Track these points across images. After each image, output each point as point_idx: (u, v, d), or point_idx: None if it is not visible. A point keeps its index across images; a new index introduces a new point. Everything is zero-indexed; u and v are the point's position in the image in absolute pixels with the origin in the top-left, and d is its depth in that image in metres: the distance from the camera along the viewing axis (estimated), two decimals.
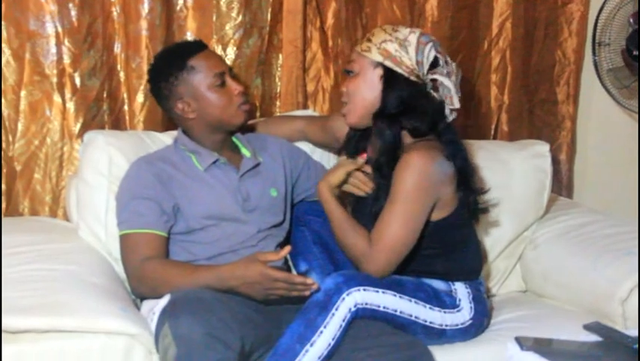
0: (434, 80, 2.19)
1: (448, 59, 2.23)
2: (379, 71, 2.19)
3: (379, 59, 2.18)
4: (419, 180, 2.09)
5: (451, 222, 2.20)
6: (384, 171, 2.17)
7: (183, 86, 2.21)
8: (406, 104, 2.17)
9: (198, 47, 2.26)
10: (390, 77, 2.18)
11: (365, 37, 2.27)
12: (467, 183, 2.22)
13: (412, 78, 2.17)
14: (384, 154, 2.18)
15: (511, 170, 2.67)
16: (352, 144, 2.33)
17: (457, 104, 2.20)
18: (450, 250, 2.22)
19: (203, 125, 2.24)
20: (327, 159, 2.54)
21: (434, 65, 2.19)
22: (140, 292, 2.14)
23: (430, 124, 2.18)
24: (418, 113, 2.17)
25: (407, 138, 2.20)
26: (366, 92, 2.21)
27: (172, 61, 2.24)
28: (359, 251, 2.12)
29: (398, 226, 2.10)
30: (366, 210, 2.22)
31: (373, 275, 2.10)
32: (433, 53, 2.19)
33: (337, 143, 2.39)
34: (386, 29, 2.22)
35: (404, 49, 2.17)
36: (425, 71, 2.19)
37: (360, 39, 2.31)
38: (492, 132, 3.10)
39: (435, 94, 2.19)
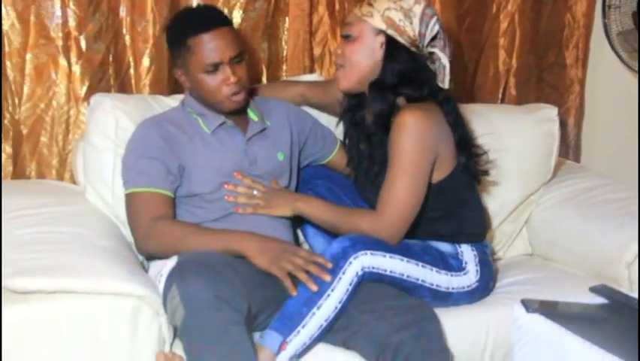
0: (432, 54, 2.17)
1: (446, 38, 2.20)
2: (380, 39, 2.16)
3: (382, 26, 2.15)
4: (415, 138, 2.08)
5: (451, 183, 2.20)
6: (376, 138, 2.17)
7: (180, 59, 2.19)
8: (405, 76, 2.15)
9: (208, 23, 2.14)
10: (392, 47, 2.15)
11: (365, 0, 2.21)
12: (467, 149, 2.23)
13: (412, 49, 2.16)
14: (378, 123, 2.17)
15: (518, 134, 2.66)
16: (351, 112, 2.32)
17: (447, 84, 2.18)
18: (453, 211, 2.22)
19: (198, 97, 2.23)
20: (333, 125, 2.53)
21: (434, 38, 2.18)
22: (147, 249, 2.14)
23: (428, 94, 2.17)
24: (416, 84, 2.16)
25: (401, 102, 2.19)
26: (363, 58, 2.18)
27: (176, 32, 2.20)
28: (365, 225, 2.11)
29: (403, 188, 2.10)
30: (368, 182, 2.22)
31: (387, 241, 2.10)
32: (437, 27, 2.17)
33: (340, 106, 2.37)
34: None
35: (408, 19, 2.14)
36: (425, 43, 2.17)
37: (361, 2, 2.23)
38: (500, 96, 3.08)
39: (430, 66, 2.18)
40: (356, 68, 2.19)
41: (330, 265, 2.00)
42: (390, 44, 2.15)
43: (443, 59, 2.17)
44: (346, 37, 2.20)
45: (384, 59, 2.16)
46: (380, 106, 2.15)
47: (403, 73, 2.15)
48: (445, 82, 2.18)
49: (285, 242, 2.11)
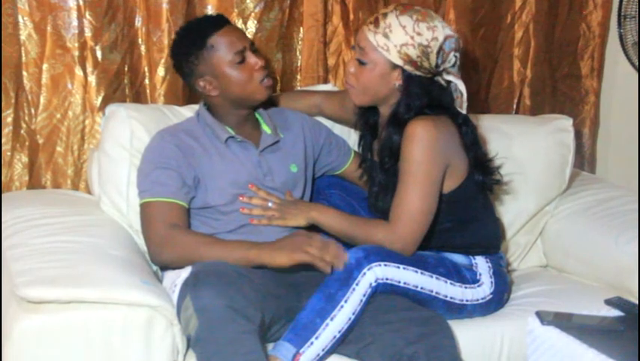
0: (448, 82, 2.17)
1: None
2: (397, 72, 2.15)
3: (399, 62, 2.13)
4: (426, 148, 2.08)
5: (464, 194, 2.20)
6: (390, 171, 2.18)
7: (204, 65, 2.20)
8: (423, 107, 2.15)
9: (218, 23, 2.22)
10: (409, 80, 2.15)
11: (378, 21, 2.14)
12: (483, 169, 2.23)
13: (428, 76, 2.15)
14: (391, 152, 2.17)
15: (533, 145, 2.65)
16: (365, 116, 2.32)
17: (464, 110, 2.18)
18: (466, 222, 2.22)
19: (226, 102, 2.24)
20: (347, 134, 2.53)
21: (452, 66, 2.18)
22: (161, 259, 2.14)
23: (446, 115, 2.17)
24: (435, 111, 2.15)
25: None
26: (377, 85, 2.17)
27: (192, 40, 2.21)
28: (379, 236, 2.11)
29: (415, 198, 2.10)
30: (380, 193, 2.23)
31: (401, 252, 2.10)
32: (454, 60, 2.16)
33: (354, 115, 2.36)
34: (406, 27, 2.11)
35: (425, 55, 2.12)
36: (441, 72, 2.16)
37: (373, 19, 2.18)
38: (514, 107, 3.08)
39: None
40: (369, 93, 2.20)
41: (342, 251, 2.00)
42: (407, 77, 2.14)
43: (460, 85, 2.16)
44: (360, 62, 2.17)
45: (401, 91, 2.16)
46: (398, 140, 2.15)
47: (421, 106, 2.15)
48: (463, 108, 2.18)
49: (293, 233, 2.10)
